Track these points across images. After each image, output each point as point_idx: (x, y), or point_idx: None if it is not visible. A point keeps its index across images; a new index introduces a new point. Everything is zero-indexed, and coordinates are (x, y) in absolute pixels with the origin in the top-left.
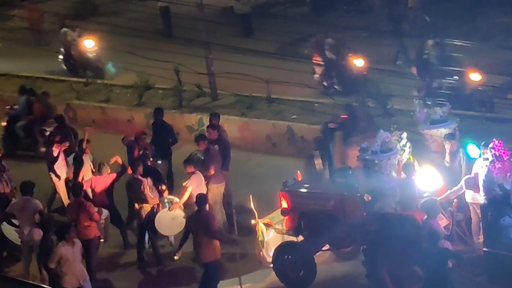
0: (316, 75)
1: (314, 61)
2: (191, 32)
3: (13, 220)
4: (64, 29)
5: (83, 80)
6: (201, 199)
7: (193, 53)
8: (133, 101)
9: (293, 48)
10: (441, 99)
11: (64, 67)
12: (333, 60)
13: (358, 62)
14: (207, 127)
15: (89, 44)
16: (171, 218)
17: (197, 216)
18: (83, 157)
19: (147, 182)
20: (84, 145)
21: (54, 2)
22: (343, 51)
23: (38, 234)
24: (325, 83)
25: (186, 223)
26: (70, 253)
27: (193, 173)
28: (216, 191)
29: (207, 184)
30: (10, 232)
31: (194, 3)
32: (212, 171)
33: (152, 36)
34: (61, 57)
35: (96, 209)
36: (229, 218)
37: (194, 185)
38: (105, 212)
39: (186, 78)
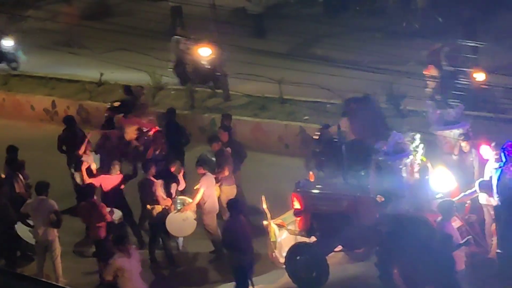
0: (428, 89)
1: (426, 73)
2: (203, 32)
3: (28, 220)
4: (176, 36)
5: (96, 80)
6: (234, 204)
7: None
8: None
9: (305, 48)
10: None
11: (176, 78)
12: (450, 72)
13: (479, 76)
14: (219, 128)
15: (205, 53)
16: (182, 220)
17: (230, 223)
18: (83, 157)
19: (160, 183)
20: (83, 146)
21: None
22: (461, 62)
23: (52, 234)
24: (438, 97)
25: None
26: (127, 264)
27: (204, 174)
28: (229, 192)
29: (219, 186)
30: (24, 232)
31: (207, 4)
32: (226, 173)
33: (164, 37)
34: (171, 67)
35: (108, 209)
36: None
37: (205, 187)
38: (118, 213)
39: None
